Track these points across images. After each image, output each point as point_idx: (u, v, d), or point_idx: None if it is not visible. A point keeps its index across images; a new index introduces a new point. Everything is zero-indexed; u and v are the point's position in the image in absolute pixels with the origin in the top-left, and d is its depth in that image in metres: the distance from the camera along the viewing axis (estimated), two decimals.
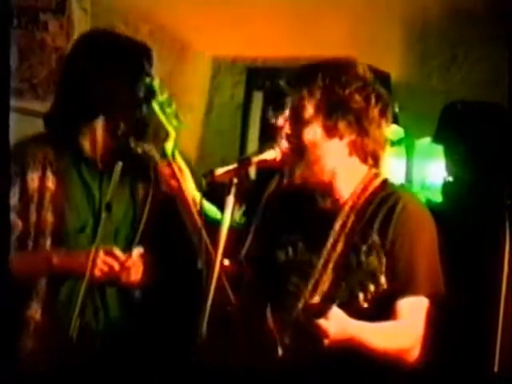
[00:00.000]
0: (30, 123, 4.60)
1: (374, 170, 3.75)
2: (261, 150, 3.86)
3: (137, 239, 4.33)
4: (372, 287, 3.42)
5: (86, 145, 4.29)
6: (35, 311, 4.29)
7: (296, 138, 3.69)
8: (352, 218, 3.69)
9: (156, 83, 4.26)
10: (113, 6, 5.40)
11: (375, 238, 3.54)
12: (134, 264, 4.23)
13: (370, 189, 3.73)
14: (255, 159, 3.78)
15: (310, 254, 3.73)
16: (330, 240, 3.67)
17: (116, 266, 4.18)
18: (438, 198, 4.72)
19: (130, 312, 4.43)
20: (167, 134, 4.16)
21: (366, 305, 3.43)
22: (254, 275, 3.97)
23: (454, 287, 3.76)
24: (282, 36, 5.66)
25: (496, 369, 4.63)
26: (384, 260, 3.42)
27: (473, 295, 4.46)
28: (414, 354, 3.63)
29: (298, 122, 3.67)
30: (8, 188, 3.68)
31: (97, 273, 4.13)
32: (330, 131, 3.64)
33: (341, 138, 3.64)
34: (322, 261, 3.67)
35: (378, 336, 3.57)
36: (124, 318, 4.42)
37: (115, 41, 4.41)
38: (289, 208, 3.91)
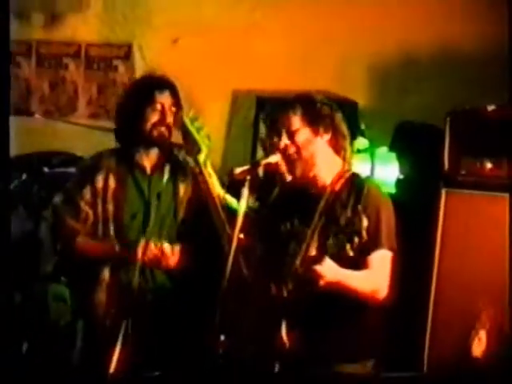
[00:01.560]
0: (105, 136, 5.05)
1: (346, 166, 4.20)
2: (266, 156, 4.37)
3: (177, 225, 4.74)
4: (356, 239, 3.81)
5: (139, 156, 4.72)
6: (106, 274, 4.68)
7: (293, 143, 4.15)
8: (331, 198, 4.09)
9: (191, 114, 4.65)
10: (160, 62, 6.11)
11: (349, 212, 3.99)
12: (175, 255, 4.64)
13: (344, 178, 4.15)
14: (263, 162, 4.31)
15: (303, 226, 4.13)
16: (316, 215, 4.06)
17: (161, 256, 4.59)
18: (393, 190, 5.09)
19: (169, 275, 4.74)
20: (199, 149, 4.57)
21: (351, 253, 3.82)
22: (263, 244, 4.37)
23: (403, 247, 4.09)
24: (283, 74, 6.14)
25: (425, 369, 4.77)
26: (358, 227, 3.82)
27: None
28: (383, 293, 4.00)
29: (291, 132, 4.16)
30: (8, 192, 3.72)
31: (146, 260, 4.55)
32: (314, 132, 4.16)
33: (322, 137, 4.16)
34: (310, 231, 4.06)
35: (358, 281, 3.96)
36: (167, 280, 4.74)
37: (157, 81, 4.76)
38: (287, 195, 4.32)
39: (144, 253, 4.53)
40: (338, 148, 4.23)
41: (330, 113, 4.22)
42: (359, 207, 3.90)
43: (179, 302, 4.71)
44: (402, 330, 4.61)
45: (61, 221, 4.73)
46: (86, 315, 4.78)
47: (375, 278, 4.04)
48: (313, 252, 4.03)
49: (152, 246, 4.56)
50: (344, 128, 4.24)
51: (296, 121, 4.21)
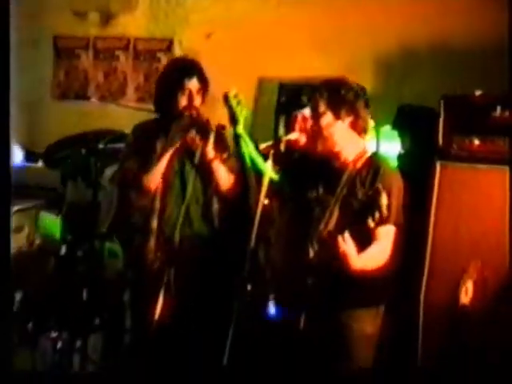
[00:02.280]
0: (150, 116, 4.90)
1: (367, 148, 4.17)
2: (287, 133, 4.49)
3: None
4: (377, 214, 3.75)
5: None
6: (154, 223, 4.69)
7: (316, 125, 4.16)
8: (353, 174, 4.07)
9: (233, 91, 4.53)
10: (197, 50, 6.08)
11: (367, 188, 3.98)
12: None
13: (365, 157, 4.13)
14: (284, 139, 4.39)
15: (327, 195, 4.12)
16: (339, 187, 4.06)
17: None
18: (395, 163, 4.90)
19: (207, 225, 4.77)
20: (238, 120, 4.49)
21: (372, 225, 3.75)
22: (292, 207, 4.38)
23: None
24: (302, 62, 6.14)
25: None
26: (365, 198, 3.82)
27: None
28: (385, 264, 3.99)
29: (317, 115, 4.15)
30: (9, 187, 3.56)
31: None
32: (336, 116, 4.11)
33: (343, 120, 4.13)
34: (333, 200, 4.05)
35: (369, 257, 3.93)
36: (202, 229, 4.76)
37: (186, 67, 4.77)
38: (315, 167, 4.24)
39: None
40: (359, 130, 4.18)
41: (353, 99, 4.14)
42: (380, 185, 3.83)
43: (213, 251, 4.76)
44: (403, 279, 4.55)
45: (131, 172, 4.76)
46: (135, 266, 4.85)
47: (379, 251, 4.04)
48: (334, 218, 4.02)
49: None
50: (365, 113, 4.18)
51: (321, 104, 4.16)
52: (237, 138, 4.54)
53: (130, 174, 4.72)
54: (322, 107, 4.17)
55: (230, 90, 4.50)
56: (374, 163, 4.14)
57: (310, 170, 4.29)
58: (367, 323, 4.14)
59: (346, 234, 3.81)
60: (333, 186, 4.12)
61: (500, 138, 4.51)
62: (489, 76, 4.66)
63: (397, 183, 4.12)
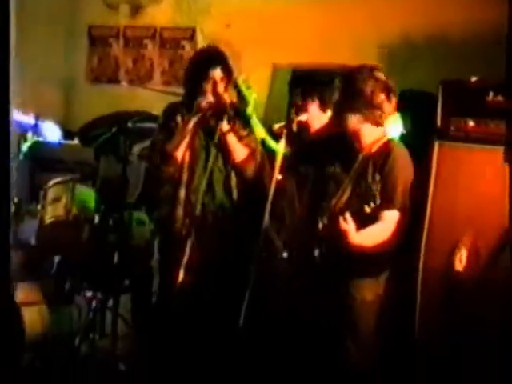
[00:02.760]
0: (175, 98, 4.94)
1: (385, 133, 4.10)
2: (297, 115, 4.50)
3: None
4: (372, 204, 3.83)
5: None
6: (181, 193, 4.72)
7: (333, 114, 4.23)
8: (367, 157, 4.05)
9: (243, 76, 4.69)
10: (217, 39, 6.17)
11: (377, 175, 3.96)
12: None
13: (381, 142, 4.08)
14: (295, 119, 4.45)
15: (342, 172, 4.09)
16: (354, 167, 4.03)
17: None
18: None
19: (227, 196, 4.78)
20: (248, 103, 4.58)
21: (368, 210, 3.83)
22: (308, 182, 4.31)
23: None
24: (311, 51, 6.20)
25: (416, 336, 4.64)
26: (379, 187, 3.88)
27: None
28: (386, 243, 3.99)
29: (331, 105, 4.22)
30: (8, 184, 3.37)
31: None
32: (351, 110, 4.06)
33: (359, 113, 4.05)
34: (348, 178, 4.02)
35: (368, 235, 3.95)
36: (223, 199, 4.78)
37: (212, 58, 4.73)
38: (335, 146, 4.20)
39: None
40: (375, 122, 4.10)
41: (373, 92, 4.04)
42: (388, 171, 3.93)
43: (232, 220, 4.79)
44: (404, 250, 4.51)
45: (159, 146, 4.80)
46: (162, 233, 4.89)
47: (383, 231, 4.03)
48: (346, 196, 4.02)
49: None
50: (386, 105, 4.08)
51: (336, 93, 4.18)
52: (247, 119, 4.60)
53: (158, 145, 4.76)
54: (336, 95, 4.18)
55: (239, 76, 4.59)
56: (387, 149, 4.09)
57: (329, 148, 4.26)
58: (368, 292, 4.14)
59: (347, 214, 3.82)
60: (349, 165, 4.09)
61: (493, 120, 4.49)
62: (484, 64, 4.65)
63: (405, 170, 4.11)
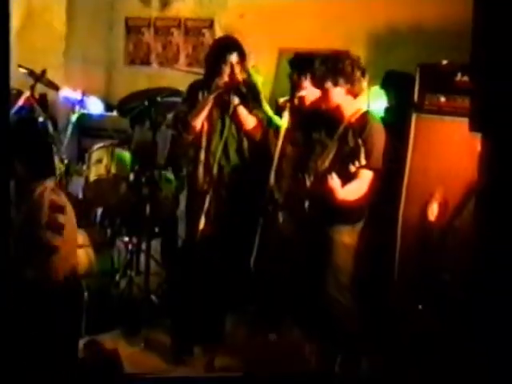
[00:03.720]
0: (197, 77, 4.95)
1: (361, 107, 4.18)
2: (297, 91, 4.50)
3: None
4: (357, 163, 3.85)
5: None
6: (202, 155, 4.71)
7: (321, 88, 4.23)
8: (348, 126, 4.08)
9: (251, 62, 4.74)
10: (232, 28, 6.12)
11: (356, 139, 3.95)
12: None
13: (359, 114, 4.15)
14: (297, 95, 4.46)
15: (327, 137, 4.16)
16: (337, 134, 4.08)
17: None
18: (382, 115, 4.90)
19: (239, 158, 4.75)
20: (256, 84, 4.65)
21: (353, 169, 3.88)
22: (300, 146, 4.37)
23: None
24: (312, 37, 6.04)
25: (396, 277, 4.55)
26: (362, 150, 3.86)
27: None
28: (362, 198, 4.08)
29: (322, 81, 4.20)
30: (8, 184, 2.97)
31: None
32: (335, 84, 4.16)
33: (341, 87, 4.16)
34: (331, 143, 4.08)
35: (349, 191, 4.02)
36: (236, 160, 4.75)
37: (229, 45, 4.72)
38: (321, 118, 4.27)
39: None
40: (354, 94, 4.19)
41: (351, 70, 4.16)
42: (360, 140, 3.88)
43: (243, 178, 4.76)
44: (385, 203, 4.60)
45: (182, 117, 4.80)
46: (189, 184, 4.87)
47: (358, 188, 4.08)
48: (329, 157, 4.07)
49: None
50: (361, 81, 4.20)
51: (326, 74, 4.22)
52: (255, 96, 4.63)
53: (181, 115, 4.75)
54: (326, 76, 4.21)
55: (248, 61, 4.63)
56: (364, 120, 4.14)
57: (317, 119, 4.30)
58: (346, 237, 4.19)
59: (334, 174, 3.88)
60: (332, 132, 4.13)
61: (460, 96, 4.47)
62: (454, 49, 4.57)
63: (379, 138, 4.14)
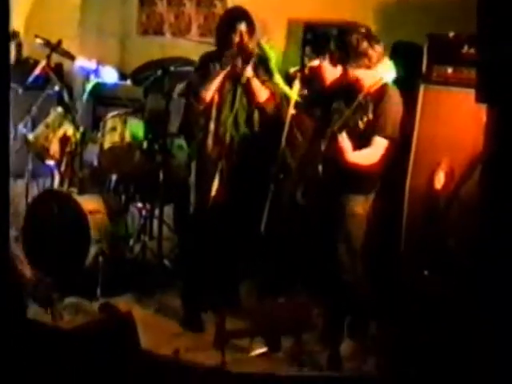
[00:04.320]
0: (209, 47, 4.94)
1: (381, 76, 4.08)
2: (310, 61, 4.52)
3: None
4: (365, 118, 3.87)
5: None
6: (212, 126, 4.66)
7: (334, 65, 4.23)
8: (366, 95, 3.98)
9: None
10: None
11: (373, 106, 3.94)
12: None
13: (378, 85, 4.06)
14: (308, 65, 4.46)
15: (345, 106, 4.11)
16: (356, 102, 3.99)
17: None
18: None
19: (250, 129, 4.72)
20: (270, 60, 4.60)
21: (362, 126, 3.87)
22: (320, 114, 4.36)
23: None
24: (318, 8, 5.91)
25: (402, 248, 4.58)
26: (371, 115, 3.88)
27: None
28: (375, 165, 4.03)
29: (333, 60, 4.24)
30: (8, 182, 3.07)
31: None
32: (347, 60, 4.14)
33: (352, 62, 4.11)
34: (349, 110, 4.02)
35: (360, 156, 4.00)
36: (246, 131, 4.71)
37: (239, 15, 4.70)
38: (341, 89, 4.25)
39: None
40: (365, 66, 4.13)
41: (367, 46, 4.09)
42: (381, 104, 3.96)
43: (254, 148, 4.74)
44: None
45: (193, 87, 4.79)
46: (199, 154, 4.84)
47: (371, 154, 4.05)
48: (344, 120, 4.04)
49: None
50: (376, 55, 4.12)
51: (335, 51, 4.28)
52: (269, 70, 4.58)
53: (193, 87, 4.77)
54: (339, 54, 4.26)
55: (261, 35, 4.63)
56: (382, 90, 4.09)
57: (336, 91, 4.29)
58: (358, 206, 4.15)
59: (344, 134, 3.87)
60: (351, 101, 4.07)
61: (467, 68, 4.47)
62: (461, 22, 4.55)
63: (396, 107, 4.11)
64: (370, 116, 3.89)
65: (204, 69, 4.68)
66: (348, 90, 4.16)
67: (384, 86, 4.09)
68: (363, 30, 4.14)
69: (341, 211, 4.14)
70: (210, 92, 4.62)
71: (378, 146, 4.03)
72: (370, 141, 3.99)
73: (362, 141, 3.96)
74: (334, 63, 4.41)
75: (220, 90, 4.63)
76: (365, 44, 4.08)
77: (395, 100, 4.11)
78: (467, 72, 4.46)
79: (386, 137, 4.02)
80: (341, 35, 4.25)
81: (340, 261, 4.16)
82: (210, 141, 4.67)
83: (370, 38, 4.11)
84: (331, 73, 4.43)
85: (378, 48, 4.11)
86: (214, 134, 4.66)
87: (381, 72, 4.11)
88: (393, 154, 4.10)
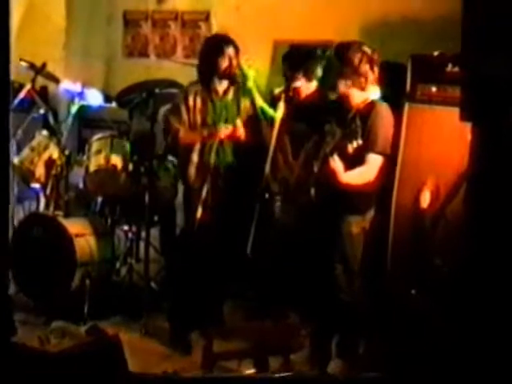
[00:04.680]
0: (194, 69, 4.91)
1: (370, 96, 4.15)
2: (294, 82, 4.54)
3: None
4: (354, 142, 3.90)
5: (214, 85, 4.72)
6: (195, 157, 4.76)
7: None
8: (356, 114, 4.08)
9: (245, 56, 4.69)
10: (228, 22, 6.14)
11: (364, 125, 3.99)
12: (241, 128, 4.62)
13: (366, 102, 4.13)
14: (292, 86, 4.50)
15: (336, 127, 4.13)
16: (345, 122, 4.05)
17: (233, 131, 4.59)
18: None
19: (235, 156, 4.77)
20: (247, 78, 4.65)
21: (351, 150, 3.88)
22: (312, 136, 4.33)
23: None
24: (304, 28, 6.06)
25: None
26: (360, 132, 3.92)
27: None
28: (371, 184, 4.07)
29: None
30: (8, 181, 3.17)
31: (224, 137, 4.60)
32: (339, 76, 4.12)
33: (344, 79, 4.12)
34: (339, 131, 4.08)
35: (354, 175, 4.03)
36: (232, 154, 4.77)
37: (225, 40, 4.77)
38: (332, 107, 4.27)
39: (221, 132, 4.63)
40: (361, 87, 4.15)
41: (358, 64, 4.10)
42: (372, 122, 3.97)
43: (238, 172, 4.78)
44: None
45: (169, 123, 4.79)
46: (183, 181, 4.88)
47: (366, 173, 4.06)
48: (335, 140, 4.07)
49: (226, 126, 4.65)
50: (368, 74, 4.13)
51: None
52: (247, 91, 4.62)
53: (173, 129, 4.79)
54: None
55: (242, 55, 4.64)
56: (372, 105, 4.13)
57: (325, 110, 4.31)
58: (354, 225, 4.16)
59: (335, 156, 3.86)
60: (342, 121, 4.10)
61: (451, 86, 4.45)
62: (445, 41, 4.58)
63: (387, 121, 4.15)
64: (360, 140, 3.90)
65: (186, 107, 4.78)
66: (337, 108, 4.18)
67: (371, 103, 4.13)
68: (366, 49, 4.14)
69: (338, 233, 4.14)
70: (187, 143, 4.75)
71: (372, 164, 4.04)
72: (364, 159, 4.00)
73: (355, 161, 3.98)
74: (308, 78, 4.50)
75: (202, 121, 4.72)
76: (367, 65, 4.11)
77: (384, 114, 4.14)
78: (451, 90, 4.45)
79: (378, 153, 4.04)
80: (338, 51, 4.20)
81: (337, 281, 4.16)
82: (192, 171, 4.74)
83: (372, 59, 4.13)
84: (306, 88, 4.52)
85: (377, 70, 4.16)
86: (198, 164, 4.73)
87: (371, 91, 4.17)
88: (387, 170, 4.14)
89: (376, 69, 4.13)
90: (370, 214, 4.18)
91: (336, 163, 3.87)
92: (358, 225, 4.12)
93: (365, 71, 4.08)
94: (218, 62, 4.64)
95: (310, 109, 4.47)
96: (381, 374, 3.75)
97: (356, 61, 4.05)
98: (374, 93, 4.16)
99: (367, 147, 3.97)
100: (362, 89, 4.09)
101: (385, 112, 4.14)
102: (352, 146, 3.84)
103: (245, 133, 4.67)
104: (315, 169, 4.04)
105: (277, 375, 3.86)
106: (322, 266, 4.19)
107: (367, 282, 4.24)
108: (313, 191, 4.04)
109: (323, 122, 4.19)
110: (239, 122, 4.64)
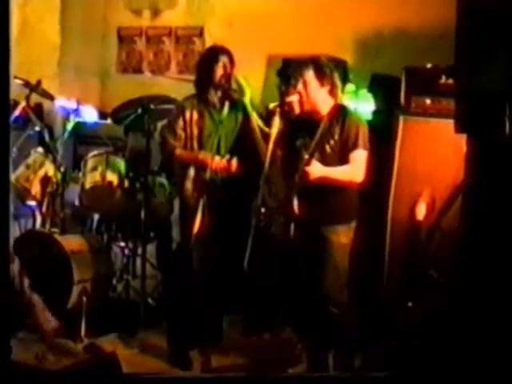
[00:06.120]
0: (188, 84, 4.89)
1: (338, 101, 4.22)
2: (288, 97, 4.43)
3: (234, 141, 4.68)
4: (332, 141, 4.02)
5: (211, 96, 4.67)
6: (191, 172, 4.67)
7: (306, 90, 4.21)
8: (326, 123, 4.13)
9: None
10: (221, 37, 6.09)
11: (337, 129, 4.10)
12: (234, 164, 4.57)
13: (335, 108, 4.18)
14: (286, 100, 4.39)
15: (310, 140, 4.15)
16: (318, 133, 4.11)
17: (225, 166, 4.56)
18: (369, 117, 5.01)
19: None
20: (245, 92, 4.61)
21: (329, 150, 4.01)
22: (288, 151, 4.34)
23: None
24: (298, 42, 6.04)
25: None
26: (338, 136, 4.02)
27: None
28: (359, 181, 4.08)
29: (306, 83, 4.23)
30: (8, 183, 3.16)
31: (216, 168, 4.54)
32: (320, 84, 4.19)
33: (322, 87, 4.19)
34: (313, 142, 4.12)
35: (339, 173, 4.05)
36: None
37: (220, 49, 4.71)
38: (303, 121, 4.27)
39: (214, 163, 4.59)
40: (333, 94, 4.22)
41: (331, 72, 4.20)
42: (344, 126, 4.03)
43: (234, 187, 4.72)
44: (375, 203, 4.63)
45: (165, 140, 4.74)
46: (179, 195, 4.85)
47: (353, 170, 4.07)
48: (315, 157, 4.09)
49: (219, 159, 4.59)
50: (338, 81, 4.24)
51: (309, 76, 4.22)
52: (244, 106, 4.59)
53: (169, 146, 4.74)
54: (310, 78, 4.22)
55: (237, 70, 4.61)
56: (340, 108, 4.21)
57: (300, 123, 4.30)
58: (342, 236, 4.15)
59: (314, 160, 3.98)
60: (315, 133, 4.13)
61: (445, 98, 4.51)
62: (438, 53, 4.63)
63: (361, 122, 4.19)
64: (336, 138, 4.02)
65: (178, 121, 4.74)
66: (310, 122, 4.21)
67: (339, 105, 4.20)
68: (326, 61, 4.28)
69: (325, 243, 4.13)
70: (183, 160, 4.72)
71: (357, 160, 4.08)
72: (347, 159, 4.04)
73: (338, 161, 4.04)
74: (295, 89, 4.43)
75: (199, 134, 4.67)
76: (338, 76, 4.22)
77: (356, 119, 4.19)
78: (446, 102, 4.49)
79: (361, 148, 4.08)
80: (312, 65, 4.27)
81: (326, 292, 4.14)
82: (189, 185, 4.69)
83: (344, 72, 4.46)
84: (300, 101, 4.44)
85: (337, 76, 4.26)
86: (194, 178, 4.69)
87: (334, 96, 4.25)
88: (372, 166, 4.13)
89: (335, 73, 4.26)
90: (354, 223, 4.20)
91: (311, 163, 3.96)
92: (344, 234, 4.14)
93: (336, 81, 4.22)
94: (213, 69, 4.61)
95: (294, 124, 4.43)
96: (382, 374, 3.77)
97: (329, 71, 4.22)
98: (337, 96, 4.26)
99: (348, 147, 4.03)
100: (335, 97, 4.23)
101: (356, 116, 4.22)
102: (330, 146, 3.96)
103: (237, 165, 4.64)
104: (296, 178, 4.07)
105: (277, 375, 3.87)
106: (311, 278, 4.18)
107: (357, 293, 4.26)
108: (295, 204, 4.09)
109: (298, 137, 4.23)
110: (234, 160, 4.61)
